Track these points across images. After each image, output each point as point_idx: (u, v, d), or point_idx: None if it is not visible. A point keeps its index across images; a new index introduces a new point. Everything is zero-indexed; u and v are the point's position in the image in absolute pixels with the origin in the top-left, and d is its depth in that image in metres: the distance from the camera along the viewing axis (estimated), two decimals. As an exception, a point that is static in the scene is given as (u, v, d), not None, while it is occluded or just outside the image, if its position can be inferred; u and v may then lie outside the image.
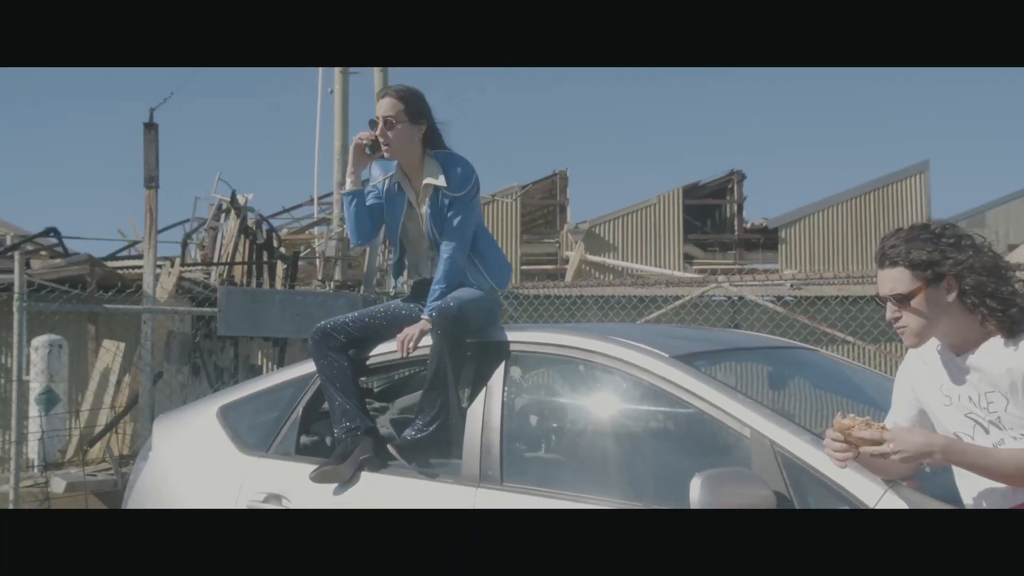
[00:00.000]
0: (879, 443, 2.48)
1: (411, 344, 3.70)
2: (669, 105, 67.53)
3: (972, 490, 2.57)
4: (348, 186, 3.91)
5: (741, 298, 7.52)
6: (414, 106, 3.77)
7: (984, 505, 2.54)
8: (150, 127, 8.23)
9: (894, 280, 2.52)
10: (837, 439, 2.55)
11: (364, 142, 3.79)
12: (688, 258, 21.27)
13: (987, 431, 2.50)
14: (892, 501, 2.72)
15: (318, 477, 3.65)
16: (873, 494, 2.75)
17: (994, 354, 2.48)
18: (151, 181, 8.16)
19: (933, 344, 2.64)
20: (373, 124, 3.76)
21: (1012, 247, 14.81)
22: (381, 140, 3.73)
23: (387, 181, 3.90)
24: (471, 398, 3.59)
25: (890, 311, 2.57)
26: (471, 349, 3.69)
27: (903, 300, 2.51)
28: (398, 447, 3.63)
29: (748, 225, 22.21)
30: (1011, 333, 2.45)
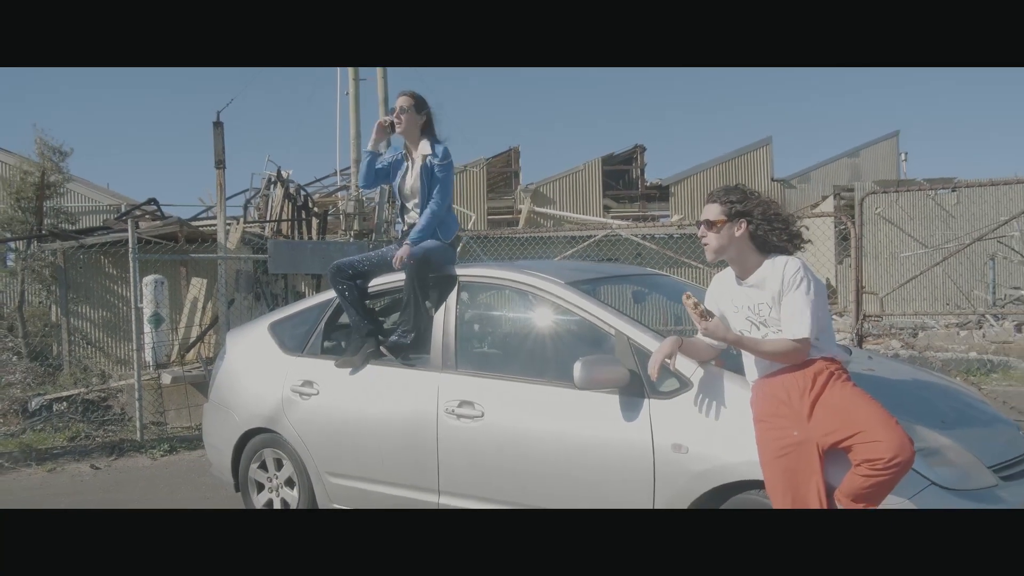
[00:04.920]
0: (700, 316, 2.82)
1: (400, 260, 3.84)
2: (590, 95, 66.78)
3: (750, 363, 2.87)
4: (369, 147, 4.17)
5: (627, 238, 7.76)
6: (419, 104, 4.05)
7: (754, 368, 2.83)
8: (217, 124, 8.20)
9: (711, 211, 2.83)
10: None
11: (385, 123, 4.07)
12: (606, 208, 21.31)
13: (759, 328, 2.80)
14: (701, 372, 3.01)
15: (340, 364, 3.88)
16: (690, 368, 3.03)
17: (761, 279, 2.77)
18: (219, 163, 8.16)
19: (729, 273, 2.91)
20: (392, 111, 4.05)
21: (824, 198, 15.04)
22: (396, 120, 4.01)
23: (396, 156, 4.13)
24: (435, 313, 3.76)
25: (700, 232, 2.85)
26: (435, 281, 3.85)
27: (710, 225, 2.79)
28: (388, 347, 3.82)
29: (648, 183, 22.26)
30: (789, 251, 2.77)
